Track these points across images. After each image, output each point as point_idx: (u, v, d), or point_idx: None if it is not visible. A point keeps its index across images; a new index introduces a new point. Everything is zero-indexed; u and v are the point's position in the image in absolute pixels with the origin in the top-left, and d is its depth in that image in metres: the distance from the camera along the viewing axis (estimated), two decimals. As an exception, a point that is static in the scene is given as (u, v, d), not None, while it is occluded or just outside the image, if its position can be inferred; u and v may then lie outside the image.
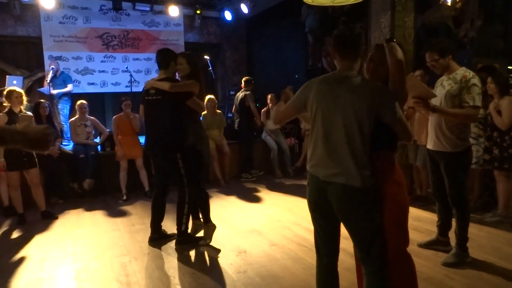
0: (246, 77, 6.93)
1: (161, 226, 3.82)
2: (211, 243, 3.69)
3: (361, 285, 2.17)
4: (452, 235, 3.24)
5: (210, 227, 3.71)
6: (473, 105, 2.87)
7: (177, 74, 3.71)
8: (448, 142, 3.00)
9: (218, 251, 3.55)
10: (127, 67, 8.20)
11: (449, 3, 7.12)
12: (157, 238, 3.76)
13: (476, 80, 2.92)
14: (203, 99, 3.81)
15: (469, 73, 2.97)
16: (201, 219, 3.78)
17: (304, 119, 2.25)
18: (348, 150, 1.84)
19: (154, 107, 3.52)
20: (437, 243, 3.39)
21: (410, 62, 5.61)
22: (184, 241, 3.63)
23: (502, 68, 6.58)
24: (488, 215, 4.22)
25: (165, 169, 3.67)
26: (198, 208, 3.77)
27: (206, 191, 3.79)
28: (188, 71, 3.60)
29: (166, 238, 3.81)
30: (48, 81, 6.87)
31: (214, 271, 3.16)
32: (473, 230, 3.87)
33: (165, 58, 3.57)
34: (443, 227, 3.37)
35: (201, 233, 3.81)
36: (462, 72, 3.01)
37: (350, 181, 1.84)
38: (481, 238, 3.66)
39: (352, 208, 1.88)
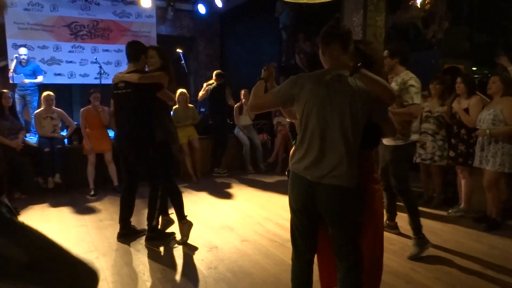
0: (218, 71, 6.87)
1: (130, 221, 3.75)
2: (158, 239, 3.60)
3: (324, 279, 2.20)
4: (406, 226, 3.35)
5: (185, 224, 3.62)
6: (412, 103, 3.14)
7: (146, 67, 3.63)
8: (393, 138, 3.22)
9: (189, 247, 3.51)
10: (96, 58, 7.96)
11: (418, 5, 7.32)
12: (126, 234, 3.69)
13: (413, 81, 3.19)
14: (174, 93, 3.74)
15: (407, 76, 3.24)
16: (170, 215, 3.73)
17: (288, 114, 2.18)
18: (344, 150, 1.84)
19: (124, 101, 3.44)
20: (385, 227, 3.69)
21: (381, 61, 5.72)
22: (155, 237, 3.57)
23: (467, 69, 6.83)
24: (452, 211, 4.38)
25: (135, 164, 3.59)
26: (166, 204, 3.71)
27: (177, 186, 3.73)
28: (159, 64, 3.52)
29: (136, 234, 3.74)
30: (11, 70, 6.59)
31: (184, 267, 3.13)
32: (437, 225, 4.02)
33: (135, 50, 3.48)
34: (389, 212, 3.76)
35: (170, 229, 3.75)
36: (402, 75, 3.27)
37: (341, 182, 1.84)
38: (445, 233, 3.80)
39: (342, 207, 1.88)
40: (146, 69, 3.64)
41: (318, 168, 1.87)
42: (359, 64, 1.86)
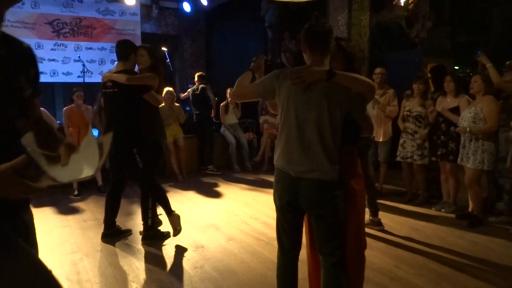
0: (200, 73, 7.01)
1: (115, 221, 3.71)
2: (168, 239, 3.62)
3: (313, 278, 2.21)
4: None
5: (174, 217, 3.61)
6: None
7: (136, 66, 3.59)
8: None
9: (175, 246, 3.50)
10: (79, 57, 7.81)
11: (402, 4, 7.41)
12: (111, 234, 3.64)
13: None
14: (161, 92, 3.71)
15: None
16: (159, 216, 3.71)
17: (271, 106, 2.21)
18: (321, 146, 1.86)
19: (111, 100, 3.41)
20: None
21: (366, 60, 5.78)
22: (152, 236, 3.56)
23: (449, 68, 6.95)
24: (435, 207, 4.46)
25: (122, 163, 3.55)
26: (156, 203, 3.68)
27: (159, 184, 3.67)
28: (149, 63, 3.49)
29: (120, 234, 3.71)
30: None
31: (170, 267, 3.11)
32: (421, 222, 4.08)
33: (125, 49, 3.44)
34: (371, 207, 3.85)
35: (161, 228, 3.74)
36: None
37: (323, 176, 1.86)
38: (428, 230, 3.86)
39: (325, 202, 1.90)
40: (136, 68, 3.60)
41: (299, 163, 1.89)
42: (332, 69, 1.87)
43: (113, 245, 3.53)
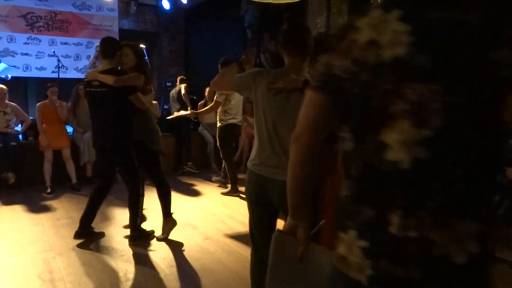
0: (182, 76, 7.19)
1: (91, 222, 3.61)
2: (142, 238, 3.57)
3: None
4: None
5: (170, 222, 3.61)
6: None
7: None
8: None
9: (151, 244, 3.47)
10: (54, 51, 7.61)
11: (379, 9, 7.57)
12: (84, 234, 3.54)
13: None
14: (149, 91, 3.64)
15: None
16: (143, 211, 3.69)
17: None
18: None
19: (99, 99, 3.33)
20: None
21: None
22: (139, 236, 3.52)
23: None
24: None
25: (113, 161, 3.52)
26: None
27: (167, 183, 3.70)
28: (133, 63, 3.43)
29: (93, 235, 3.60)
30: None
31: (146, 266, 3.09)
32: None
33: (111, 47, 3.37)
34: None
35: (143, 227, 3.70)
36: None
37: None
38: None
39: None
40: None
41: (271, 166, 1.92)
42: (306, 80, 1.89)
43: (87, 244, 3.47)
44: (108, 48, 3.38)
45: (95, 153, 4.02)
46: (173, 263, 3.12)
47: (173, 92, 6.91)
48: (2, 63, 6.76)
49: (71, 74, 8.03)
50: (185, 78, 7.17)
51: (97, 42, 6.92)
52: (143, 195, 3.56)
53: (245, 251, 3.30)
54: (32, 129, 5.58)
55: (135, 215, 3.49)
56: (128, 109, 3.36)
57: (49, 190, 5.15)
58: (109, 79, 3.22)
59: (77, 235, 3.53)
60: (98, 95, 3.32)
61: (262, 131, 1.96)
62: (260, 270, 2.14)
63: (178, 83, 6.99)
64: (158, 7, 9.00)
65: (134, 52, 3.45)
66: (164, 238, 3.58)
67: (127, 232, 3.64)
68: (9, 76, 6.76)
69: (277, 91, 1.89)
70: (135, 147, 3.44)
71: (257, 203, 2.03)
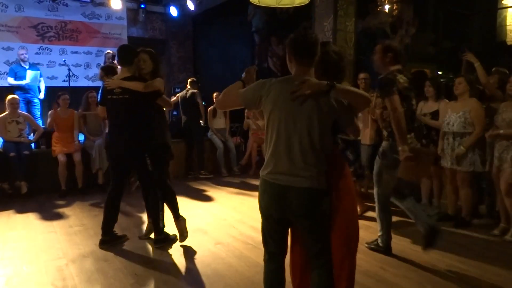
0: (192, 78, 7.13)
1: (113, 227, 3.64)
2: (166, 242, 3.60)
3: (297, 280, 2.23)
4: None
5: (181, 221, 3.64)
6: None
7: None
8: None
9: (162, 251, 3.48)
10: (64, 61, 7.73)
11: (386, 10, 7.54)
12: (109, 241, 3.57)
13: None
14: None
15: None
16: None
17: (260, 114, 2.27)
18: (312, 156, 1.88)
19: (121, 106, 3.38)
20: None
21: (351, 65, 5.86)
22: (164, 239, 3.55)
23: (432, 73, 7.09)
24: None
25: (129, 166, 3.59)
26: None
27: (170, 185, 3.71)
28: (151, 68, 3.49)
29: (117, 239, 3.64)
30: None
31: (157, 272, 3.09)
32: (405, 224, 4.13)
33: (128, 54, 3.43)
34: None
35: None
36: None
37: (314, 185, 1.88)
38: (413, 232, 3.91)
39: (316, 209, 1.92)
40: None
41: (289, 174, 1.90)
42: (333, 82, 1.89)
43: (100, 251, 3.49)
44: (126, 55, 3.43)
45: (108, 159, 4.08)
46: (184, 268, 3.13)
47: (182, 94, 6.85)
48: (36, 71, 6.90)
49: (82, 82, 8.13)
50: (195, 80, 7.12)
51: (106, 51, 7.02)
52: (162, 199, 3.59)
53: (257, 256, 3.29)
54: (44, 138, 5.67)
55: (157, 219, 3.52)
56: (151, 115, 3.43)
57: (63, 189, 5.36)
58: (138, 86, 3.27)
59: (102, 243, 3.56)
60: (120, 102, 3.36)
61: (276, 140, 1.92)
62: (275, 279, 2.11)
63: (188, 85, 6.94)
64: (166, 14, 9.09)
65: (151, 57, 3.50)
66: (185, 237, 3.60)
67: (138, 240, 3.69)
68: (42, 95, 7.07)
69: (303, 99, 1.87)
70: (156, 151, 3.50)
71: (272, 214, 1.99)
